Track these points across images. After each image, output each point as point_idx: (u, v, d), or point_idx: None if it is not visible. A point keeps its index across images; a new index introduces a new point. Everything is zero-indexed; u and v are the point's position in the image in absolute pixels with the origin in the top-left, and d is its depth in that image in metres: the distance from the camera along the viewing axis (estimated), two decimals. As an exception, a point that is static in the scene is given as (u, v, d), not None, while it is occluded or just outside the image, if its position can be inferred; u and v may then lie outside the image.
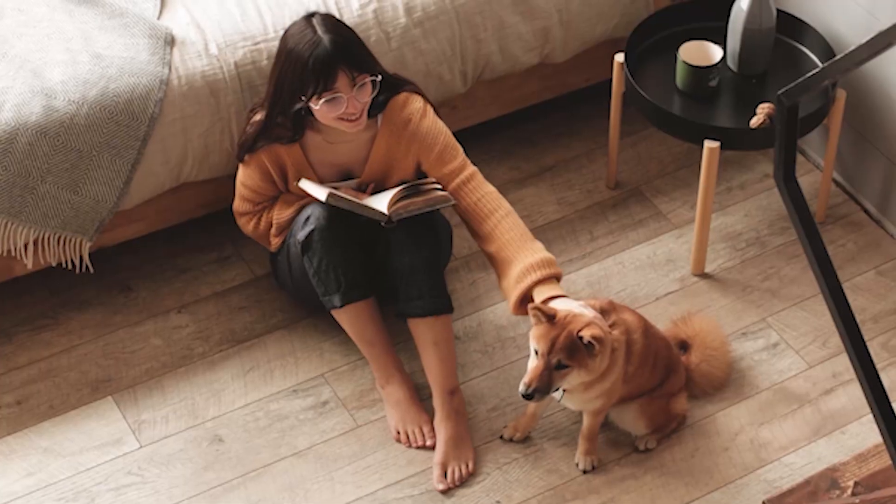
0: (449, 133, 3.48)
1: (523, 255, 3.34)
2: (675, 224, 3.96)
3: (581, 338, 3.05)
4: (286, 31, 3.34)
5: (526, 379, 3.09)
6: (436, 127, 3.45)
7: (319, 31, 3.28)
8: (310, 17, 3.33)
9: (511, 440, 3.44)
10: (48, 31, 3.56)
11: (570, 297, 3.27)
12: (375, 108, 3.41)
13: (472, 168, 3.47)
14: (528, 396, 3.07)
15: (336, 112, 3.30)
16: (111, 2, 3.62)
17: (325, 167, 3.47)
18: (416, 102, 3.44)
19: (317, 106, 3.30)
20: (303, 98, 3.30)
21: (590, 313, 3.14)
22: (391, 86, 3.42)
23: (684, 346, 3.51)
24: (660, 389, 3.36)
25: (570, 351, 3.06)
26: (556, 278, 3.32)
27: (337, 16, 3.66)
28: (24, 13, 3.60)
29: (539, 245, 3.37)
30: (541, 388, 3.08)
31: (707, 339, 3.50)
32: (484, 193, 3.44)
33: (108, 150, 3.48)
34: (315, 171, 3.47)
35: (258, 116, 3.43)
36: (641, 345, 3.25)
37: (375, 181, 3.48)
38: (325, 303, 3.48)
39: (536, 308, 3.08)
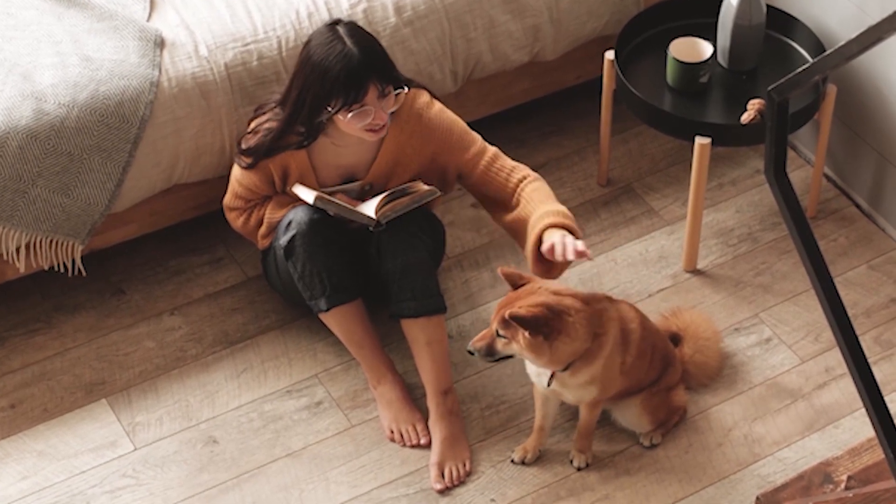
0: (460, 120, 3.47)
1: (541, 207, 3.33)
2: (666, 221, 3.96)
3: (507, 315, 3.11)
4: (309, 41, 3.28)
5: (474, 338, 3.17)
6: (446, 116, 3.44)
7: (348, 42, 3.23)
8: (334, 24, 3.28)
9: (523, 462, 3.42)
10: (37, 35, 3.55)
11: (577, 236, 3.24)
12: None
13: (492, 148, 3.47)
14: (469, 353, 3.17)
15: (362, 123, 3.28)
16: (100, 4, 3.62)
17: (328, 170, 3.46)
18: (423, 96, 3.43)
19: (344, 118, 3.28)
20: (328, 109, 3.28)
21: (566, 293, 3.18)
22: (407, 82, 3.38)
23: (676, 339, 3.52)
24: (658, 384, 3.37)
25: (505, 323, 3.10)
26: (571, 231, 3.27)
27: (326, 16, 3.66)
28: (13, 17, 3.60)
29: (558, 205, 3.34)
30: (480, 350, 3.16)
31: (699, 330, 3.51)
32: (512, 167, 3.44)
33: (98, 152, 3.48)
34: (317, 175, 3.46)
35: (267, 123, 3.40)
36: (639, 335, 3.26)
37: (378, 182, 3.47)
38: (312, 307, 3.47)
39: (506, 273, 3.15)
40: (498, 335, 3.13)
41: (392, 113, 3.37)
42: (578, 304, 3.14)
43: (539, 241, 3.29)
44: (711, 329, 3.54)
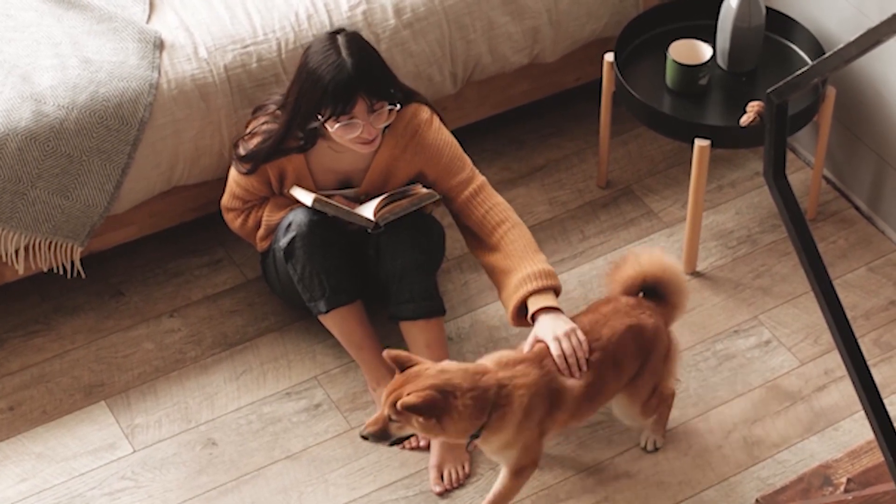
0: (456, 144, 3.45)
1: (523, 265, 3.30)
2: (666, 223, 3.96)
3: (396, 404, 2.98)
4: (309, 47, 3.29)
5: (367, 421, 3.04)
6: (441, 138, 3.43)
7: (344, 52, 3.23)
8: (335, 34, 3.28)
9: None
10: (37, 37, 3.55)
11: (562, 312, 3.21)
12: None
13: (480, 179, 3.44)
14: (363, 437, 3.03)
15: (351, 135, 3.28)
16: (100, 6, 3.62)
17: (325, 174, 3.46)
18: (423, 113, 3.42)
19: (332, 128, 3.28)
20: (319, 117, 3.28)
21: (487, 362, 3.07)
22: (401, 98, 3.38)
23: (656, 292, 3.27)
24: (643, 374, 3.23)
25: (396, 409, 2.99)
26: (555, 290, 3.27)
27: (326, 18, 3.66)
28: (13, 18, 3.60)
29: (541, 257, 3.33)
30: (374, 435, 3.02)
31: (661, 268, 3.25)
32: (493, 205, 3.41)
33: (98, 154, 3.48)
34: (314, 179, 3.46)
35: (265, 125, 3.40)
36: (579, 388, 3.10)
37: (373, 191, 3.47)
38: (312, 308, 3.47)
39: (392, 356, 3.02)
40: (391, 420, 3.01)
41: (388, 126, 3.36)
42: (467, 382, 3.00)
43: (521, 305, 3.26)
44: (663, 258, 3.26)
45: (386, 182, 3.45)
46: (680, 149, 4.16)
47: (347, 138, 3.28)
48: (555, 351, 3.11)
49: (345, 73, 3.21)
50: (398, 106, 3.30)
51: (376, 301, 3.60)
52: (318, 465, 3.42)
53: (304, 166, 3.42)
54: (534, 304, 3.24)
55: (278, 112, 3.38)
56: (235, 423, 3.51)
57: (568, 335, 3.13)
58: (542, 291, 3.25)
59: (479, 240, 3.42)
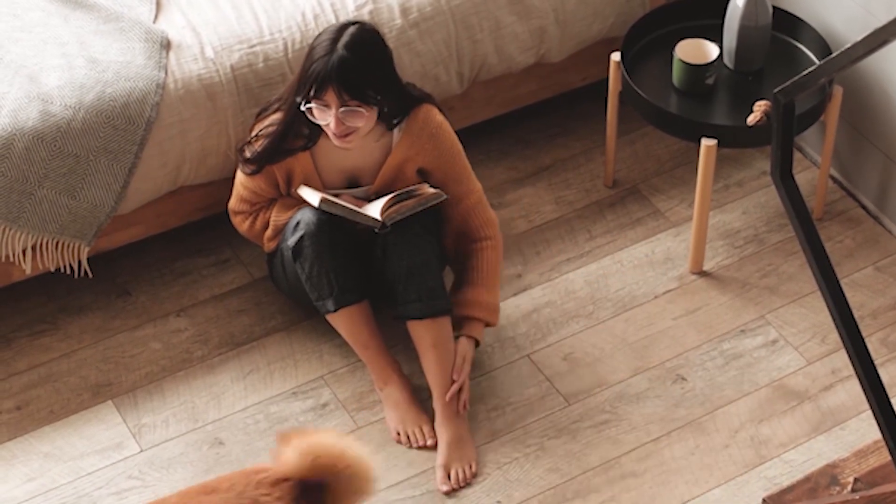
0: (461, 147, 3.52)
1: (483, 289, 3.49)
2: (673, 222, 3.96)
3: None
4: (323, 31, 3.35)
5: None
6: (455, 145, 3.49)
7: (339, 44, 3.27)
8: (348, 25, 3.32)
9: None
10: (44, 37, 3.56)
11: (477, 345, 3.50)
12: (395, 119, 3.40)
13: (478, 187, 3.55)
14: None
15: (322, 121, 3.31)
16: (106, 6, 3.63)
17: (332, 173, 3.47)
18: (436, 115, 3.45)
19: (304, 107, 3.30)
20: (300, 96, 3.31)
21: None
22: (410, 99, 3.41)
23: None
24: None
25: None
26: (491, 323, 3.52)
27: (332, 18, 3.66)
28: (19, 18, 3.60)
29: (497, 291, 3.52)
30: None
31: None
32: (486, 220, 3.54)
33: (105, 154, 3.48)
34: (322, 178, 3.46)
35: (270, 128, 3.41)
36: None
37: (384, 189, 3.48)
38: (319, 307, 3.48)
39: None
40: None
41: (403, 125, 3.38)
42: None
43: (458, 320, 3.51)
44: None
45: (396, 181, 3.46)
46: (687, 148, 4.16)
47: (322, 124, 3.31)
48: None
49: (326, 61, 3.26)
50: (375, 113, 3.31)
51: (381, 300, 3.60)
52: (325, 464, 3.42)
53: (311, 166, 3.43)
54: (467, 329, 3.50)
55: (281, 109, 3.40)
56: (242, 422, 3.51)
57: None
58: (480, 321, 3.50)
59: (458, 239, 3.55)
